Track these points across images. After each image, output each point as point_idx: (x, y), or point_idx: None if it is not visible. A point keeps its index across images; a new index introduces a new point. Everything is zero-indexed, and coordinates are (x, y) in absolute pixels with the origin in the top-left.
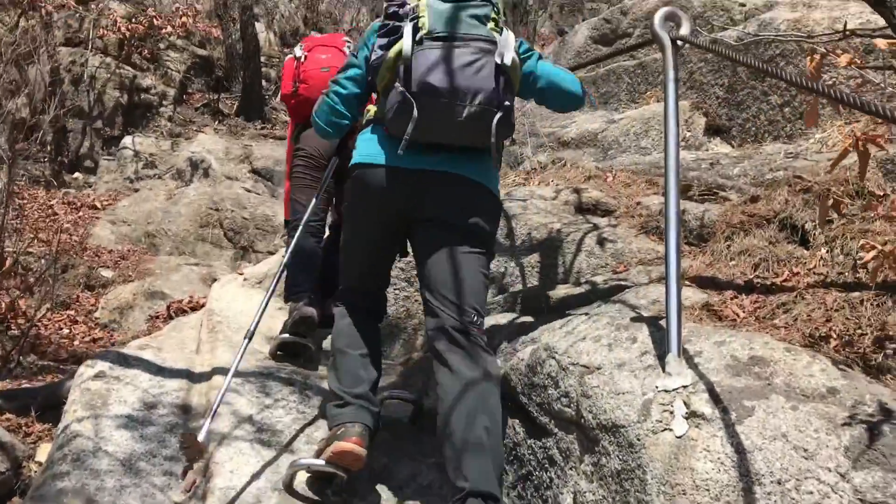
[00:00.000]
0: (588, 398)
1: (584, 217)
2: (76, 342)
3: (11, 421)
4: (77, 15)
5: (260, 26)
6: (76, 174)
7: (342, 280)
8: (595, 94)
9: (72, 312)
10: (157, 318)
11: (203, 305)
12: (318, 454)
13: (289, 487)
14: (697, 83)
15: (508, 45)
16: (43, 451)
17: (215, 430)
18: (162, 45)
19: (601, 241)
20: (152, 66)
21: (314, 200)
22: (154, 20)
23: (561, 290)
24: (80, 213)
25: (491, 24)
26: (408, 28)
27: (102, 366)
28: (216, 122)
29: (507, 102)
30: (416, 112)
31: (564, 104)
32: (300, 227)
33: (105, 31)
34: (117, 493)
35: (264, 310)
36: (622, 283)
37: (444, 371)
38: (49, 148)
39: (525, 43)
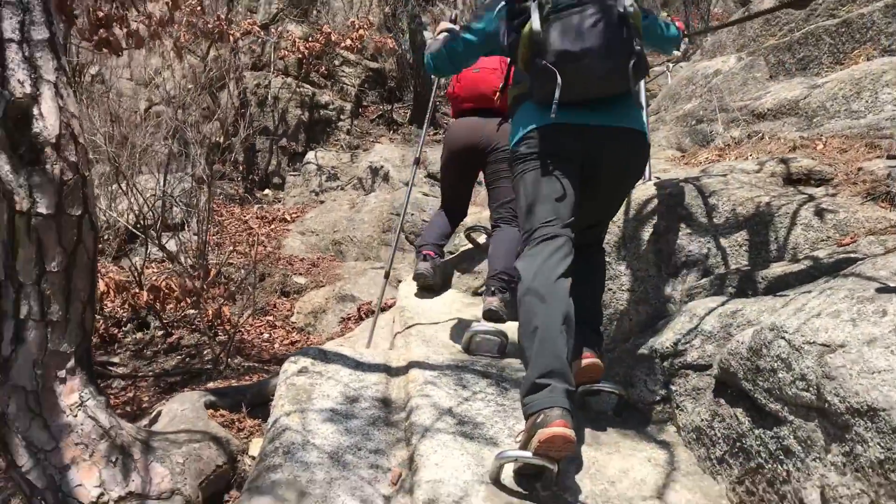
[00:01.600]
0: (832, 380)
1: (795, 188)
2: (276, 345)
3: (225, 417)
4: (259, 40)
5: (428, 34)
6: (266, 190)
7: (529, 223)
8: (791, 61)
9: (270, 318)
10: (349, 319)
11: (391, 305)
12: (523, 446)
13: (496, 481)
14: None
15: None
16: (255, 446)
17: (417, 423)
18: (337, 62)
19: (819, 213)
20: (329, 82)
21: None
22: (330, 36)
23: (776, 269)
24: (273, 226)
25: None
26: (534, 7)
27: (305, 362)
28: (391, 132)
29: (637, 47)
30: (559, 79)
31: (668, 47)
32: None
33: (286, 52)
34: (327, 485)
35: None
36: (851, 255)
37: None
38: (241, 167)
39: None
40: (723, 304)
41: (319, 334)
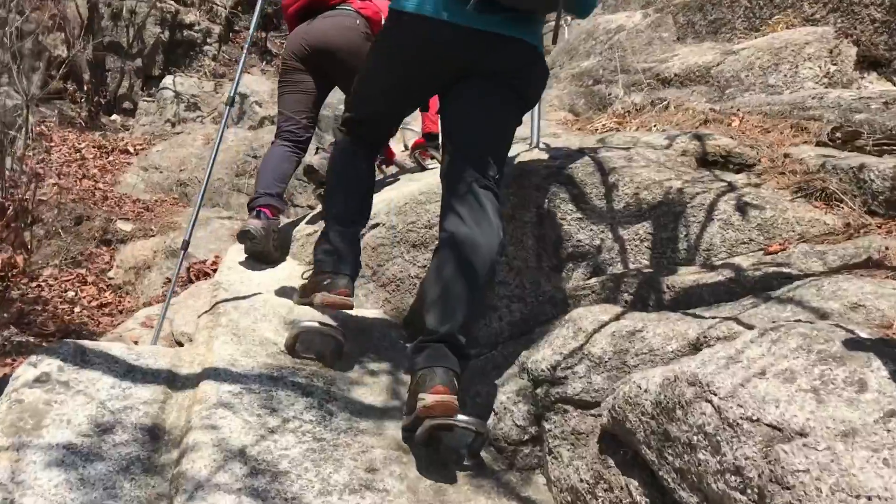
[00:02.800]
0: (787, 489)
1: (711, 173)
2: (78, 308)
3: None
4: None
5: None
6: (114, 116)
7: (354, 109)
8: (702, 22)
9: (83, 271)
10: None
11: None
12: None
13: None
14: (846, 4)
15: None
16: None
17: (188, 473)
18: None
19: (741, 207)
20: (196, 0)
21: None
22: None
23: (686, 275)
24: (111, 158)
25: None
26: None
27: (50, 364)
28: (263, 63)
29: None
30: None
31: (585, 8)
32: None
33: None
34: None
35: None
36: (783, 268)
37: (453, 218)
38: (86, 87)
39: None
40: (617, 317)
41: (137, 297)
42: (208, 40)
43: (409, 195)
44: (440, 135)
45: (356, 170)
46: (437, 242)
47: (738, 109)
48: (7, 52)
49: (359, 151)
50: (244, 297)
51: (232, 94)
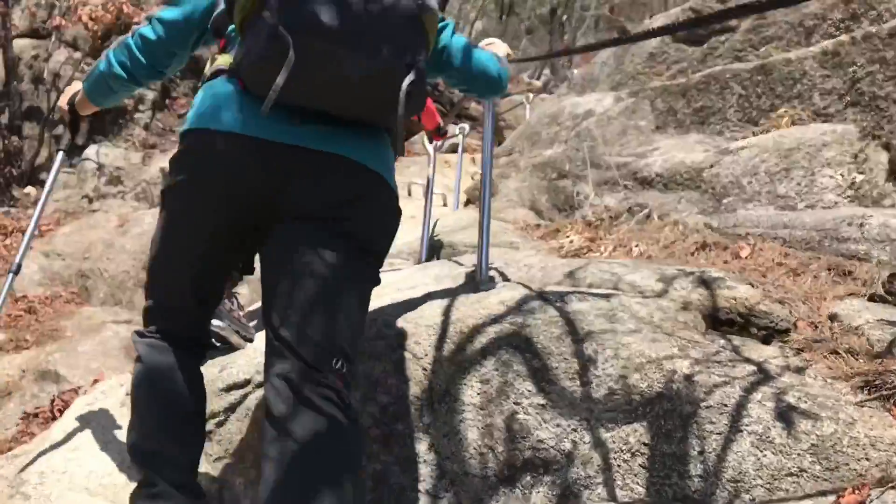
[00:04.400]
0: None
1: (728, 343)
2: None
3: None
4: (44, 2)
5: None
6: (28, 188)
7: (150, 297)
8: (686, 111)
9: None
10: (37, 416)
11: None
12: None
13: None
14: (868, 97)
15: None
16: None
17: None
18: None
19: (783, 414)
20: None
21: None
22: (124, 7)
23: None
24: (8, 241)
25: None
26: None
27: None
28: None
29: (421, 62)
30: (291, 54)
31: (483, 91)
32: None
33: (74, 22)
34: None
35: None
36: None
37: (280, 441)
38: None
39: None
40: None
41: None
42: (140, 107)
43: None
44: None
45: (174, 385)
46: None
47: (746, 232)
48: None
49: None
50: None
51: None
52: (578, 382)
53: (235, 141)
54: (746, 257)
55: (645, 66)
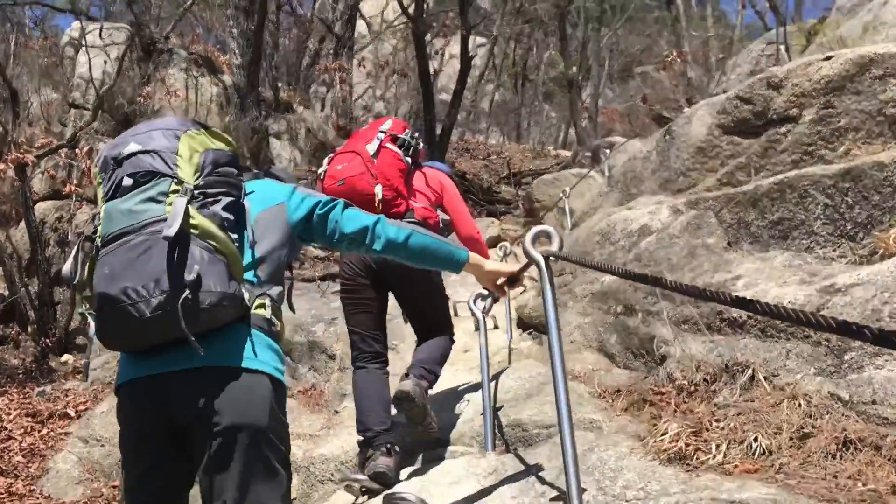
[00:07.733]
0: None
1: None
2: None
3: None
4: (60, 163)
5: (283, 144)
6: (65, 356)
7: None
8: (761, 223)
9: None
10: None
11: None
12: None
13: None
14: None
15: (175, 215)
16: None
17: None
18: None
19: None
20: None
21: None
22: None
23: None
24: (45, 431)
25: (172, 199)
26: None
27: None
28: None
29: (192, 278)
30: (91, 331)
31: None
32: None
33: (87, 185)
34: None
35: None
36: None
37: None
38: (30, 326)
39: (309, 197)
40: None
41: None
42: None
43: None
44: None
45: None
46: None
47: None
48: None
49: None
50: None
51: None
52: None
53: (132, 387)
54: None
55: (695, 161)
